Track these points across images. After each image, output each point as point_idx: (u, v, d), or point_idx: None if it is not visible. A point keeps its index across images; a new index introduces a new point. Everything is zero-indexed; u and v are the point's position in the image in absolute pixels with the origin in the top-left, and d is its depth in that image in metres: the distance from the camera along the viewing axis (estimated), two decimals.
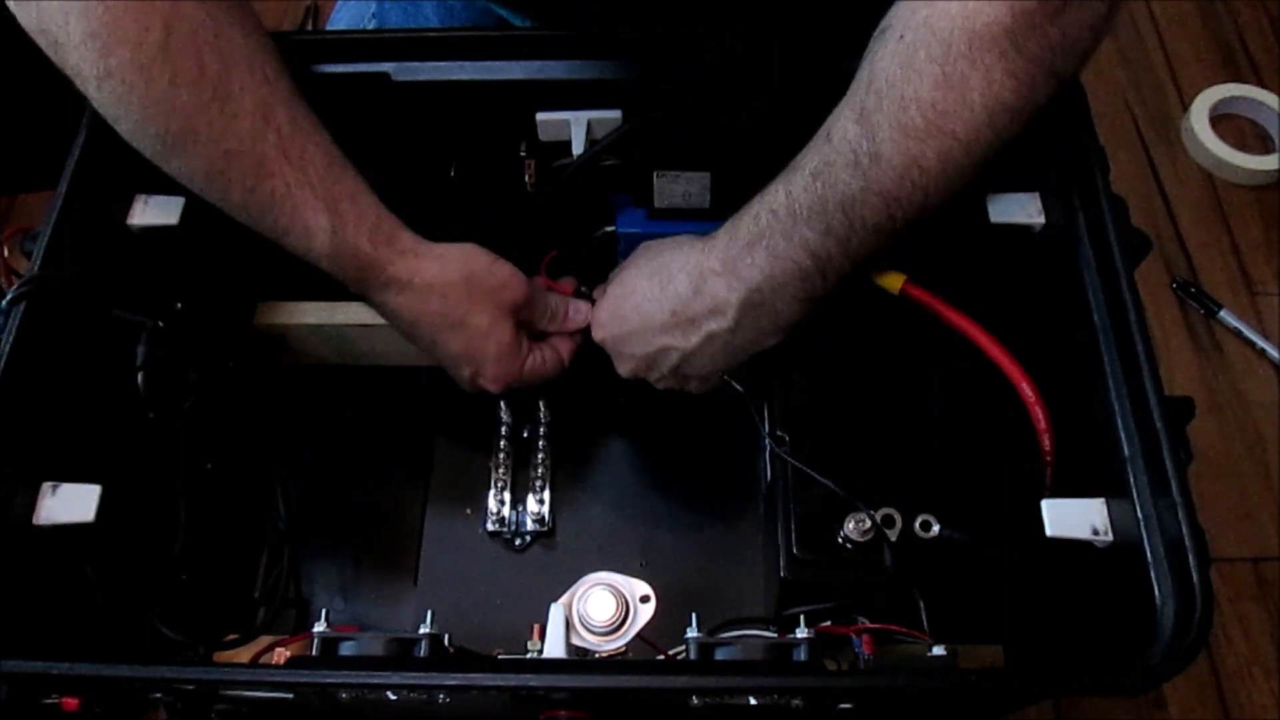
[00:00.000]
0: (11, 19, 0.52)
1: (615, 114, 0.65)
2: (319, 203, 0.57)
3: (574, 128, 0.65)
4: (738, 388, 0.64)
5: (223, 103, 0.54)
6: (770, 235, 0.56)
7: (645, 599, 0.60)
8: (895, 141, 0.51)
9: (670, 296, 0.61)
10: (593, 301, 0.69)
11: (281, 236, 0.58)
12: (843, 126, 0.53)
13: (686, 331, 0.61)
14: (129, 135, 0.55)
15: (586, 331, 0.69)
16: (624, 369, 0.67)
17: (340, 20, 0.87)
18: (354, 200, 0.59)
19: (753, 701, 0.50)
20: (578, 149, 0.65)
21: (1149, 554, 0.49)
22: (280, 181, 0.56)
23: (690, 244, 0.62)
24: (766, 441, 0.63)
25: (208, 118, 0.54)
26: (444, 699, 0.51)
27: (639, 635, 0.59)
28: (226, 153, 0.55)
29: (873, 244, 0.55)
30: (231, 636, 0.65)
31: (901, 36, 0.52)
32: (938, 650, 0.54)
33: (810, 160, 0.55)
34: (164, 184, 0.59)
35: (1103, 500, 0.53)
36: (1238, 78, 1.41)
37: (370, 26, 0.84)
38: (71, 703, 0.51)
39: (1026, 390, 0.58)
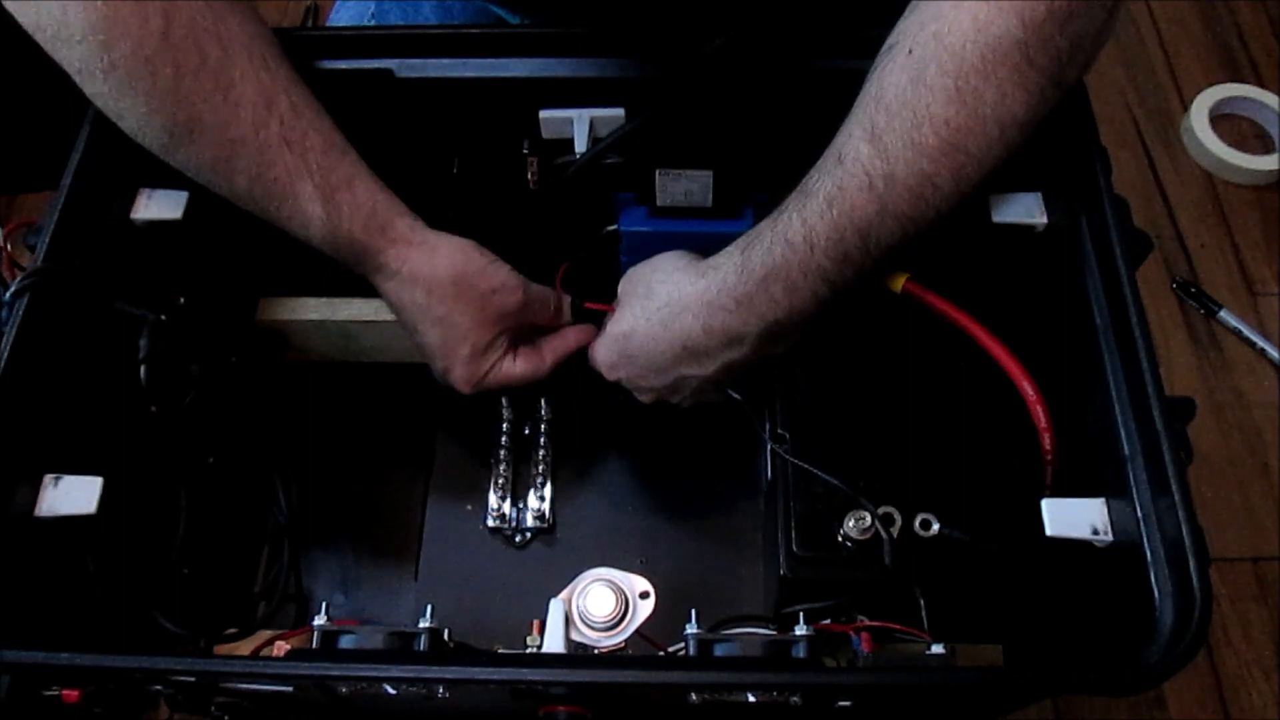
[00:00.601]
0: (12, 21, 0.52)
1: (618, 112, 0.65)
2: (316, 191, 0.57)
3: (577, 125, 0.65)
4: (735, 396, 0.64)
5: (226, 91, 0.54)
6: (787, 268, 0.54)
7: (645, 595, 0.60)
8: (909, 161, 0.51)
9: (677, 334, 0.59)
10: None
11: (284, 223, 0.58)
12: (854, 147, 0.52)
13: (703, 362, 0.60)
14: (134, 129, 0.55)
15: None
16: (645, 399, 0.66)
17: (339, 19, 0.87)
18: (350, 187, 0.59)
19: (751, 698, 0.50)
20: (580, 147, 0.65)
21: (1148, 554, 0.49)
22: (282, 169, 0.56)
23: (685, 275, 0.60)
24: (767, 440, 0.64)
25: (212, 106, 0.54)
26: (443, 693, 0.51)
27: (638, 631, 0.59)
28: (231, 141, 0.55)
29: (884, 263, 0.55)
30: (231, 630, 0.66)
31: (910, 51, 0.51)
32: (937, 648, 0.54)
33: (823, 185, 0.53)
34: (167, 178, 0.60)
35: (1102, 500, 0.54)
36: (1238, 78, 1.41)
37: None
38: (72, 695, 0.51)
39: (1027, 389, 0.58)
